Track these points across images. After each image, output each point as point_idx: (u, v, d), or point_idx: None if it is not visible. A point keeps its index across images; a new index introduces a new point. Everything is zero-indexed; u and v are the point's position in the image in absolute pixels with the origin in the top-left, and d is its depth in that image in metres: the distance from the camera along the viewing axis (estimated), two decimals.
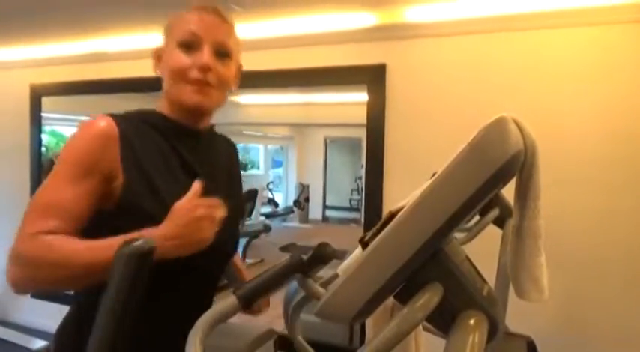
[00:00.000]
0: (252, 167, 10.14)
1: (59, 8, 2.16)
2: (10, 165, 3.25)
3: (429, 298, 0.47)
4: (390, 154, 2.08)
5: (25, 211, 0.85)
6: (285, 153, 9.80)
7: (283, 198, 9.12)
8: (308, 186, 8.50)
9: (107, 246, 0.74)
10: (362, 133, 2.19)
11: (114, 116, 0.91)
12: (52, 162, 3.45)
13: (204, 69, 0.93)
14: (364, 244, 0.48)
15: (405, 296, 0.49)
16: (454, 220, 0.44)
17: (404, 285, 0.49)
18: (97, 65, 2.83)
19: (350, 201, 9.01)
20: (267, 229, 6.09)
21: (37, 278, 0.81)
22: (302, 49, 2.23)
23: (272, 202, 8.46)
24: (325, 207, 8.83)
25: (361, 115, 2.15)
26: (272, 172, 10.33)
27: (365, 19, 2.04)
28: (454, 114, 1.98)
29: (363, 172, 2.79)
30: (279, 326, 1.07)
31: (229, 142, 1.20)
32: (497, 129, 0.43)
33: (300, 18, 2.09)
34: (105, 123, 0.88)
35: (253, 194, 6.39)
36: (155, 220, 0.84)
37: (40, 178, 3.12)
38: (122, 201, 0.86)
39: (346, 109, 4.14)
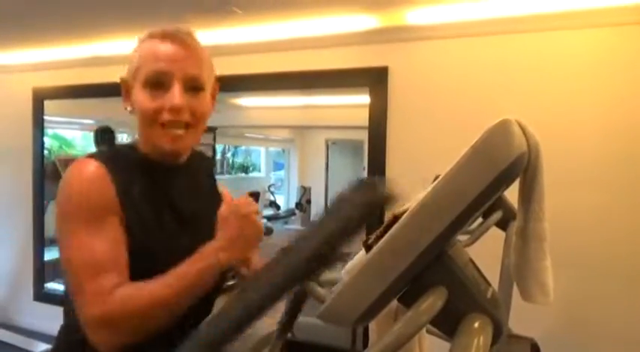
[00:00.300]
0: (253, 170, 10.14)
1: (61, 12, 2.17)
2: (12, 169, 3.26)
3: (433, 301, 0.47)
4: (391, 157, 2.08)
5: (72, 283, 0.81)
6: (286, 155, 9.80)
7: (285, 200, 9.11)
8: (310, 189, 8.49)
9: (187, 272, 0.78)
10: (363, 135, 2.19)
11: (97, 158, 0.87)
12: (54, 166, 3.46)
13: (176, 112, 0.86)
14: (367, 247, 0.48)
15: (408, 299, 0.49)
16: (458, 223, 0.44)
17: (407, 288, 0.49)
18: (99, 68, 2.83)
19: None
20: (269, 232, 6.09)
21: (139, 330, 0.78)
22: (304, 52, 2.24)
23: (274, 205, 8.45)
24: None
25: (362, 117, 2.15)
26: (273, 175, 10.32)
27: (366, 21, 2.04)
28: (456, 116, 1.98)
29: (365, 175, 2.77)
30: None
31: (203, 157, 1.15)
32: (500, 132, 0.43)
33: (302, 21, 2.09)
34: (94, 167, 0.85)
35: (255, 196, 6.39)
36: (139, 258, 0.84)
37: (43, 182, 3.13)
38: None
39: (347, 112, 4.14)
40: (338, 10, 1.97)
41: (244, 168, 9.74)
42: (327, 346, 2.38)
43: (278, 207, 8.46)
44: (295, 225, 7.99)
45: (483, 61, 1.96)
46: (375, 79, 2.08)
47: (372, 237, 0.49)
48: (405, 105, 2.07)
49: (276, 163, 10.59)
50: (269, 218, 7.45)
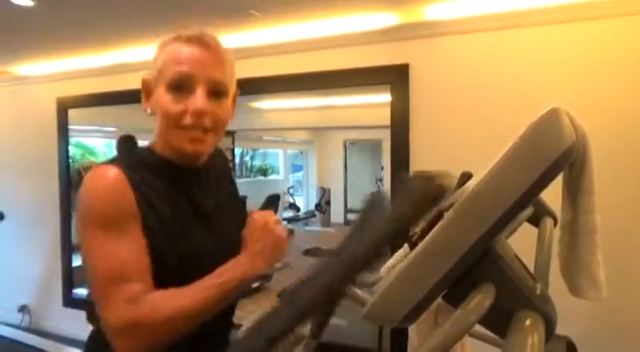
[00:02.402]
0: (272, 172, 10.18)
1: (82, 22, 2.21)
2: (39, 177, 3.32)
3: (481, 299, 0.45)
4: (415, 154, 2.06)
5: (96, 290, 0.80)
6: (304, 157, 9.82)
7: (304, 202, 9.12)
8: (329, 190, 8.48)
9: (213, 284, 0.80)
10: (381, 135, 2.18)
11: (115, 163, 0.87)
12: (79, 173, 3.51)
13: (198, 115, 0.86)
14: (412, 244, 0.47)
15: (454, 298, 0.48)
16: (507, 217, 0.42)
17: (453, 286, 0.48)
18: (120, 76, 2.88)
19: None
20: (290, 233, 6.08)
21: (164, 337, 0.78)
22: (323, 52, 2.23)
23: (293, 206, 8.46)
24: (347, 210, 8.81)
25: (380, 117, 2.13)
26: (292, 177, 10.34)
27: (385, 19, 2.03)
28: (479, 111, 1.95)
29: (383, 174, 2.74)
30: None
31: (220, 154, 1.13)
32: (550, 122, 0.41)
33: (320, 21, 2.09)
34: (114, 172, 0.84)
35: (276, 199, 6.41)
36: (166, 263, 0.84)
37: (69, 189, 3.19)
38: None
39: (365, 111, 4.12)
40: (356, 8, 1.96)
41: (263, 171, 9.79)
42: (353, 347, 2.37)
43: (298, 209, 8.48)
44: (315, 227, 7.99)
45: (505, 54, 1.92)
46: (395, 77, 2.06)
47: (417, 233, 0.48)
48: (427, 101, 2.05)
49: (294, 165, 10.61)
50: (289, 220, 7.46)
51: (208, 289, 0.80)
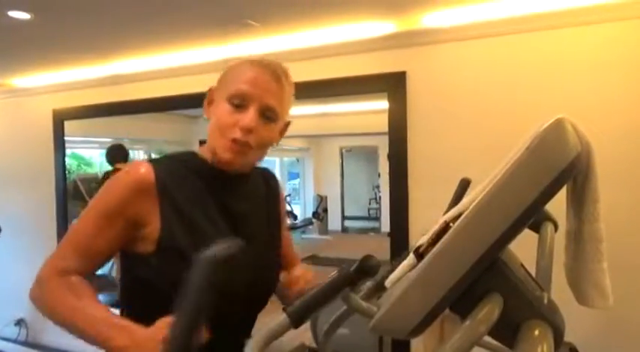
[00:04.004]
0: None
1: (78, 34, 2.21)
2: (36, 189, 3.31)
3: (490, 310, 0.46)
4: (413, 162, 2.06)
5: (60, 244, 0.95)
6: (301, 165, 9.82)
7: (301, 210, 9.10)
8: (326, 197, 8.46)
9: (108, 325, 0.83)
10: (377, 142, 2.18)
11: (153, 162, 0.95)
12: (75, 185, 3.50)
13: (246, 131, 0.94)
14: (419, 255, 0.47)
15: (462, 308, 0.48)
16: (515, 227, 0.43)
17: (461, 296, 0.48)
18: (115, 88, 2.88)
19: (368, 210, 8.95)
20: None
21: (46, 312, 0.92)
22: (320, 61, 2.23)
23: (290, 215, 8.43)
24: (344, 217, 8.79)
25: (376, 124, 2.14)
26: (288, 184, 10.34)
27: (382, 27, 2.04)
28: (477, 117, 1.95)
29: (380, 181, 2.75)
30: (309, 340, 1.06)
31: (269, 177, 1.19)
32: (556, 133, 0.42)
33: (318, 30, 2.10)
34: (143, 171, 0.93)
35: None
36: (184, 258, 0.88)
37: (66, 201, 3.17)
38: (161, 244, 0.92)
39: (361, 119, 4.13)
40: (353, 17, 1.97)
41: None
42: None
43: (295, 217, 8.45)
44: (313, 235, 7.97)
45: (501, 61, 1.93)
46: (393, 85, 2.07)
47: (423, 244, 0.48)
48: (425, 109, 2.05)
49: (291, 173, 10.61)
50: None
51: (95, 325, 0.83)
